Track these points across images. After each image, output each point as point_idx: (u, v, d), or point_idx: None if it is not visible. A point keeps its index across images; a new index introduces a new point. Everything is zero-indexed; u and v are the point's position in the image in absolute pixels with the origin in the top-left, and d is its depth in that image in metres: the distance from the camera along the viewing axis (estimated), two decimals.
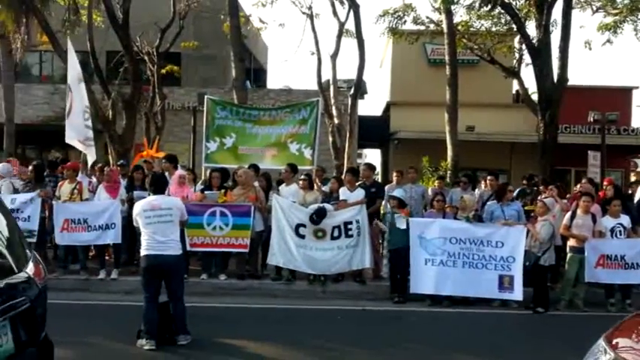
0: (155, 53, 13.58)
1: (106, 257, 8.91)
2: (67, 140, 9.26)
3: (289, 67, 74.12)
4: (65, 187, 8.67)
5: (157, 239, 5.89)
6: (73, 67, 9.47)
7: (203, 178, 10.25)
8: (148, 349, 5.74)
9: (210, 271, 8.70)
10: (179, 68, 17.20)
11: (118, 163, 9.98)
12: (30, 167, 9.11)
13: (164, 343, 5.86)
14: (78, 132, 9.14)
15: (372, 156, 27.45)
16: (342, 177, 9.42)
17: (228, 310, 7.73)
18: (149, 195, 9.07)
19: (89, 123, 9.49)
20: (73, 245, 8.69)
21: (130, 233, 8.86)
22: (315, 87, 16.05)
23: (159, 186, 6.28)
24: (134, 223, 6.15)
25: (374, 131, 20.37)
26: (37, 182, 8.79)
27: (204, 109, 10.72)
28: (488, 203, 8.86)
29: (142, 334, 5.88)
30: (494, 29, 16.11)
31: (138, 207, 6.10)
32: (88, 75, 12.46)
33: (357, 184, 8.94)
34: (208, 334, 6.32)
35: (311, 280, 8.65)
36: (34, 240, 8.54)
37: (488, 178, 10.05)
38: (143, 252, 5.98)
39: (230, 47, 19.97)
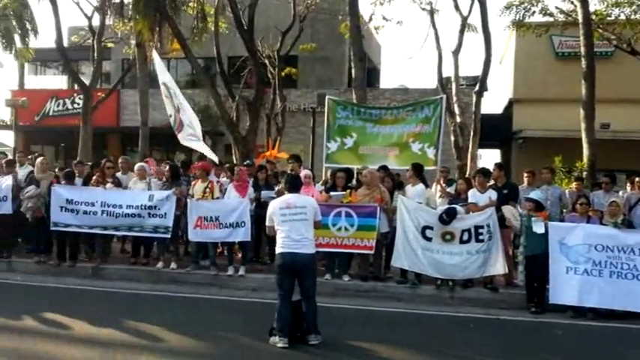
0: (276, 56, 13.87)
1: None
2: (182, 142, 9.81)
3: (402, 66, 73.23)
4: (198, 187, 9.03)
5: (292, 237, 5.92)
6: (163, 73, 10.06)
7: (323, 178, 10.27)
8: (281, 346, 5.77)
9: (334, 271, 8.66)
10: (296, 70, 17.49)
11: (245, 163, 10.27)
12: (166, 167, 9.59)
13: (295, 342, 5.87)
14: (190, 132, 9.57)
15: (490, 156, 26.24)
16: (472, 178, 8.99)
17: (354, 311, 7.63)
18: (275, 195, 9.30)
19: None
20: (204, 242, 9.05)
21: (256, 232, 9.12)
22: (431, 85, 15.65)
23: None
24: (267, 222, 6.20)
25: (494, 130, 19.45)
26: (173, 181, 9.23)
27: (325, 109, 10.77)
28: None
29: (274, 331, 5.92)
30: (633, 17, 14.71)
31: (273, 205, 6.16)
32: (210, 78, 13.00)
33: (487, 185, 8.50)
34: (337, 336, 6.26)
35: (438, 284, 8.32)
36: (168, 235, 9.06)
37: (637, 179, 9.13)
38: (278, 250, 6.03)
39: (346, 48, 20.22)
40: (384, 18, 12.09)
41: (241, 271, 8.84)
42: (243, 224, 8.68)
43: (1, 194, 9.41)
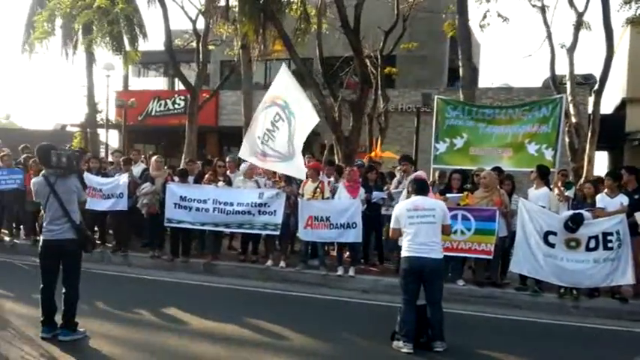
0: (379, 56, 13.69)
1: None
2: (240, 155, 9.58)
3: (501, 65, 70.71)
4: (308, 186, 9.02)
5: (419, 241, 5.72)
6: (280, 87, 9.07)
7: (431, 179, 9.97)
8: (405, 352, 5.59)
9: (447, 276, 8.34)
10: (397, 70, 17.24)
11: (356, 163, 10.16)
12: None
13: (419, 348, 5.67)
14: (251, 149, 9.21)
15: (598, 159, 24.63)
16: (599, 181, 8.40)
17: (473, 318, 7.31)
18: (386, 196, 9.12)
19: (272, 143, 8.93)
20: (314, 241, 9.03)
21: (365, 233, 8.99)
22: (537, 84, 14.87)
23: (421, 187, 6.09)
24: (393, 225, 6.02)
25: (604, 131, 18.22)
26: (285, 180, 9.28)
27: (434, 109, 10.48)
28: None
29: (398, 336, 5.76)
30: None
31: (400, 207, 5.99)
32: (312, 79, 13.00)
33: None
34: (464, 343, 6.00)
35: (561, 293, 7.83)
36: (277, 232, 9.10)
37: None
38: (404, 253, 5.84)
39: (446, 47, 19.75)
40: (499, 15, 11.52)
41: (351, 272, 8.73)
42: (354, 225, 8.58)
43: (117, 191, 9.86)
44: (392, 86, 18.88)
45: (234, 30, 14.53)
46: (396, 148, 16.17)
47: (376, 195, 8.98)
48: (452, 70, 20.34)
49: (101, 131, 22.84)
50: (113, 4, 12.24)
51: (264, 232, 9.25)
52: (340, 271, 8.76)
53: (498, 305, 7.81)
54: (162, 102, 23.37)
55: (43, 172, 5.72)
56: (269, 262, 9.26)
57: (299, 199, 8.97)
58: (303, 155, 9.00)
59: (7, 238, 10.89)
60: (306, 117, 8.49)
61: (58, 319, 5.76)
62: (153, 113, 23.40)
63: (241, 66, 14.63)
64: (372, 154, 11.58)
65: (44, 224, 5.68)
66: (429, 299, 5.80)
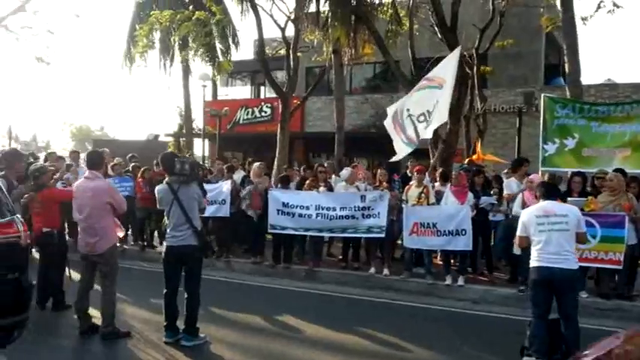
0: (474, 54, 13.22)
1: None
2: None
3: (604, 61, 66.91)
4: (412, 191, 8.76)
5: (550, 250, 5.32)
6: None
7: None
8: None
9: None
10: (491, 69, 16.61)
11: (462, 167, 9.79)
12: (380, 172, 9.45)
13: None
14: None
15: None
16: None
17: (600, 333, 6.73)
18: (496, 201, 8.69)
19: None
20: (419, 249, 8.75)
21: (474, 240, 8.60)
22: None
23: (551, 191, 5.68)
24: (519, 232, 5.65)
25: None
26: (388, 185, 9.09)
27: (541, 108, 9.90)
28: None
29: (529, 351, 5.37)
30: None
31: (528, 213, 5.61)
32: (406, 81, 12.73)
33: None
34: None
35: None
36: (383, 235, 8.86)
37: None
38: (533, 263, 5.46)
39: (542, 43, 18.86)
40: (614, 5, 10.69)
41: (460, 281, 8.38)
42: (464, 232, 8.23)
43: (220, 198, 10.01)
44: (485, 86, 18.23)
45: (324, 36, 14.53)
46: (490, 151, 15.54)
47: (484, 200, 8.58)
48: (548, 67, 19.38)
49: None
50: (211, 16, 12.54)
51: (369, 236, 9.07)
52: (448, 280, 8.43)
53: (627, 319, 7.17)
54: (250, 110, 23.84)
55: (166, 179, 5.83)
56: (372, 270, 9.07)
57: (403, 205, 8.73)
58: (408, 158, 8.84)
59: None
60: (442, 111, 8.39)
61: (180, 324, 5.86)
62: (240, 121, 23.92)
63: (332, 71, 14.56)
64: (474, 157, 11.11)
65: (167, 230, 5.79)
66: (562, 313, 5.38)
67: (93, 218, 5.91)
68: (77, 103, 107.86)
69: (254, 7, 12.95)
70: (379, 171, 9.41)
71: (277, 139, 14.51)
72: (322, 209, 9.21)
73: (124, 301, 7.35)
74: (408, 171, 10.16)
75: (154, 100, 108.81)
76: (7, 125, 67.64)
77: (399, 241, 9.47)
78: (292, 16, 14.55)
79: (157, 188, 5.93)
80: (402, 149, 9.43)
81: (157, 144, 27.31)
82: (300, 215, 9.34)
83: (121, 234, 6.14)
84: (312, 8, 14.35)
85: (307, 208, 9.31)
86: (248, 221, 10.01)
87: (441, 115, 8.72)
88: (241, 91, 27.68)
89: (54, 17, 36.23)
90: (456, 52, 9.13)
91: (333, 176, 10.67)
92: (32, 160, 9.74)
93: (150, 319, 6.70)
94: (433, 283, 8.51)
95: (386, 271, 8.92)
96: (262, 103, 24.01)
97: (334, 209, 9.14)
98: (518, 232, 5.68)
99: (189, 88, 19.96)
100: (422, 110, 9.09)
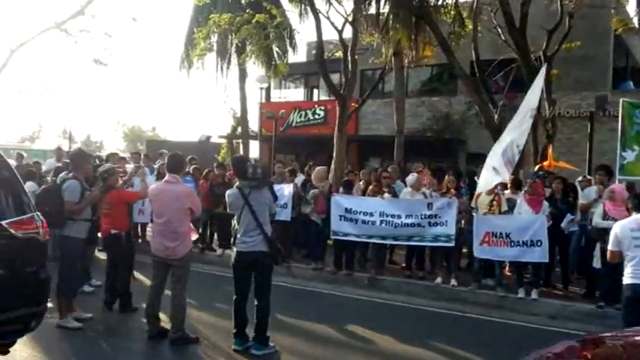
0: (542, 57, 12.66)
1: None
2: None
3: None
4: (483, 199, 8.39)
5: None
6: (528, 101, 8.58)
7: None
8: None
9: None
10: (557, 72, 15.93)
11: (538, 175, 9.33)
12: (448, 178, 9.10)
13: None
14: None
15: None
16: None
17: None
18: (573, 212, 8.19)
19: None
20: (490, 259, 8.37)
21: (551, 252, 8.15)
22: None
23: None
24: (611, 246, 5.23)
25: None
26: (456, 192, 8.76)
27: (620, 113, 9.35)
28: None
29: None
30: None
31: (621, 225, 5.20)
32: (472, 84, 12.32)
33: None
34: None
35: None
36: (452, 244, 8.51)
37: None
38: (627, 280, 5.04)
39: (610, 45, 18.00)
40: None
41: (534, 295, 7.95)
42: (539, 243, 7.80)
43: (281, 201, 9.86)
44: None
45: (383, 38, 14.26)
46: (554, 156, 14.89)
47: (566, 222, 8.13)
48: (615, 70, 18.49)
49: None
50: (271, 19, 12.48)
51: (436, 244, 8.74)
52: (521, 293, 8.00)
53: None
54: (303, 113, 23.74)
55: (237, 183, 5.70)
56: (438, 280, 8.74)
57: (474, 213, 8.37)
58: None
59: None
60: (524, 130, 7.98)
61: (248, 331, 5.72)
62: (293, 124, 23.84)
63: (388, 74, 14.26)
64: (545, 163, 10.60)
65: (238, 236, 5.65)
66: None
67: (174, 222, 5.78)
68: (129, 104, 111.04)
69: (314, 9, 12.80)
70: (447, 177, 9.04)
71: (334, 143, 14.31)
72: (387, 216, 8.94)
73: (189, 305, 7.28)
74: (476, 177, 9.76)
75: (204, 101, 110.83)
76: (63, 126, 70.23)
77: (464, 250, 9.13)
78: (350, 18, 14.35)
79: (227, 192, 5.81)
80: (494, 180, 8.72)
81: (210, 145, 27.63)
82: (364, 222, 9.09)
83: (194, 237, 6.05)
84: (371, 10, 14.08)
85: (371, 214, 9.06)
86: (308, 226, 9.84)
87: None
88: (294, 93, 27.68)
89: (111, 21, 37.18)
90: (542, 71, 8.62)
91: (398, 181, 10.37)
92: (98, 161, 9.87)
93: (215, 324, 6.60)
94: (504, 295, 8.11)
95: (453, 282, 8.57)
96: (316, 106, 23.88)
97: (399, 217, 8.86)
98: (611, 246, 5.27)
99: (245, 91, 20.05)
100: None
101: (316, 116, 23.41)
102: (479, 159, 18.70)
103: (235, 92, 21.98)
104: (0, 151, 4.99)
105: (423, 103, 19.44)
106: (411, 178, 9.28)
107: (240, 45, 15.24)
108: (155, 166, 11.41)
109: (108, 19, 36.24)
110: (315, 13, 12.87)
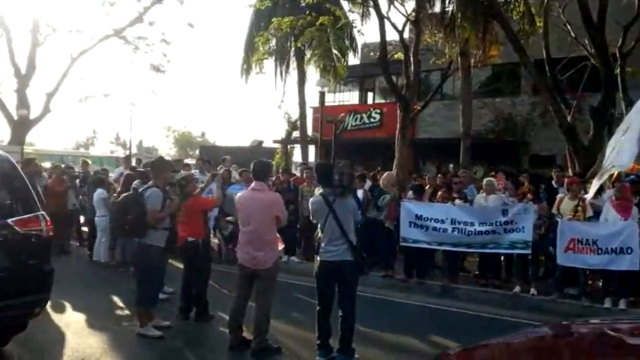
0: (618, 54, 12.04)
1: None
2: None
3: None
4: (566, 204, 7.99)
5: None
6: None
7: None
8: None
9: None
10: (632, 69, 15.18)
11: (629, 179, 8.79)
12: (525, 183, 8.74)
13: None
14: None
15: None
16: None
17: None
18: None
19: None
20: (574, 267, 7.95)
21: None
22: None
23: None
24: None
25: None
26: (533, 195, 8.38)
27: None
28: None
29: None
30: None
31: None
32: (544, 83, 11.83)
33: None
34: None
35: None
36: (528, 251, 8.14)
37: None
38: None
39: None
40: None
41: (622, 305, 7.50)
42: (629, 251, 7.35)
43: None
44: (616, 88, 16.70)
45: (447, 38, 13.91)
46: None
47: None
48: None
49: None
50: (335, 21, 12.36)
51: (512, 252, 8.40)
52: (608, 304, 7.58)
53: None
54: (358, 116, 23.53)
55: (320, 191, 5.56)
56: (517, 289, 8.37)
57: (558, 219, 7.97)
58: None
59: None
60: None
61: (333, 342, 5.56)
62: (348, 127, 23.66)
63: (459, 74, 13.89)
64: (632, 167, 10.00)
65: (322, 245, 5.50)
66: None
67: (262, 231, 5.65)
68: (179, 110, 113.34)
69: (377, 9, 12.58)
70: (523, 181, 8.66)
71: (395, 146, 14.07)
72: (459, 224, 8.64)
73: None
74: (553, 182, 9.33)
75: (253, 106, 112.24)
76: (115, 131, 72.23)
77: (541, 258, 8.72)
78: (412, 18, 14.06)
79: (310, 200, 5.69)
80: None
81: (262, 150, 27.76)
82: (435, 229, 8.82)
83: (281, 247, 5.94)
84: (435, 9, 13.76)
85: (442, 221, 8.78)
86: (376, 232, 9.62)
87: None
88: (347, 96, 27.50)
89: (169, 27, 38.00)
90: None
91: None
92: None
93: (295, 333, 6.49)
94: (590, 305, 7.68)
95: (533, 291, 8.19)
96: (371, 109, 23.64)
97: (472, 224, 8.55)
98: None
99: (304, 95, 20.02)
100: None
101: (372, 119, 23.17)
102: (543, 161, 18.14)
103: (290, 97, 21.99)
104: (8, 156, 5.49)
105: (484, 105, 18.89)
106: (487, 181, 8.93)
107: (302, 48, 15.17)
108: (219, 172, 11.44)
109: (166, 26, 36.98)
110: (379, 13, 12.65)
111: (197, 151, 56.65)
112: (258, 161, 5.98)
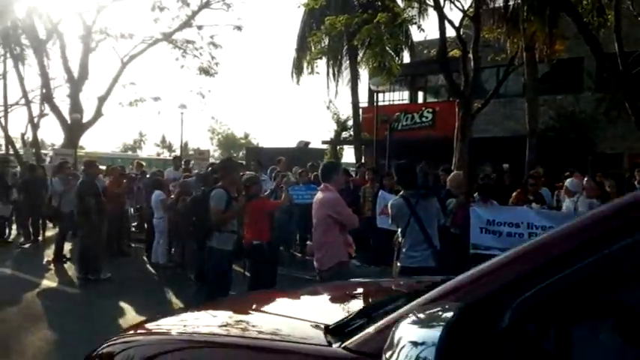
0: None
1: None
2: None
3: None
4: None
5: None
6: None
7: None
8: None
9: None
10: None
11: None
12: (609, 182, 8.14)
13: None
14: None
15: None
16: None
17: None
18: None
19: None
20: None
21: None
22: None
23: None
24: None
25: None
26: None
27: None
28: None
29: None
30: None
31: None
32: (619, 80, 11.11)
33: None
34: None
35: None
36: None
37: None
38: None
39: None
40: None
41: None
42: None
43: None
44: None
45: (509, 32, 13.30)
46: None
47: None
48: None
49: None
50: (393, 18, 11.96)
51: None
52: None
53: None
54: (410, 116, 23.01)
55: (402, 192, 5.19)
56: None
57: None
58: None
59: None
60: None
61: None
62: (399, 127, 23.16)
63: (525, 71, 13.26)
64: None
65: (403, 250, 5.13)
66: None
67: (317, 232, 5.51)
68: (223, 111, 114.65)
69: (437, 4, 12.09)
70: (606, 182, 8.04)
71: (455, 146, 13.54)
72: (536, 228, 8.05)
73: None
74: (636, 182, 8.68)
75: (297, 108, 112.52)
76: (161, 134, 73.34)
77: None
78: (470, 14, 13.49)
79: (390, 202, 5.33)
80: None
81: (309, 151, 27.53)
82: (509, 234, 8.25)
83: (351, 251, 5.62)
84: (497, 3, 13.18)
85: (517, 226, 8.22)
86: (444, 239, 9.13)
87: None
88: (397, 96, 26.99)
89: (218, 30, 38.26)
90: None
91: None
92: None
93: None
94: None
95: None
96: (423, 108, 23.08)
97: (551, 228, 7.94)
98: None
99: (357, 94, 19.66)
100: None
101: (423, 119, 22.61)
102: (608, 160, 17.23)
103: (338, 98, 21.69)
104: None
105: (544, 102, 18.08)
106: (570, 181, 8.31)
107: (360, 46, 14.80)
108: (269, 174, 11.26)
109: (215, 30, 37.27)
110: (439, 8, 12.16)
111: (241, 153, 57.34)
112: (326, 162, 5.84)
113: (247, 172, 7.77)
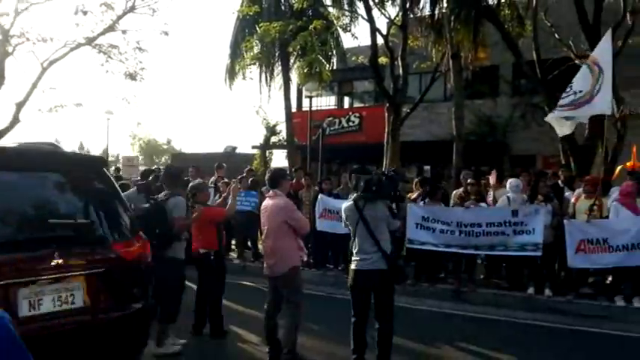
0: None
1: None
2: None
3: None
4: (581, 204, 7.98)
5: None
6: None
7: None
8: None
9: None
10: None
11: (634, 175, 8.85)
12: (542, 184, 8.66)
13: None
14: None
15: None
16: None
17: None
18: None
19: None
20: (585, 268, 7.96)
21: None
22: None
23: None
24: None
25: None
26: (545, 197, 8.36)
27: None
28: None
29: None
30: None
31: None
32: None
33: None
34: None
35: None
36: (539, 253, 8.06)
37: None
38: None
39: None
40: None
41: (636, 303, 7.52)
42: None
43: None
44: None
45: (435, 40, 13.93)
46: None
47: None
48: None
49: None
50: (327, 26, 12.20)
51: (522, 254, 8.31)
52: (620, 302, 7.59)
53: None
54: (337, 120, 23.39)
55: (353, 196, 5.37)
56: (531, 290, 8.32)
57: (565, 220, 7.93)
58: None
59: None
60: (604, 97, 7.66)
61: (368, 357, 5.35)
62: (327, 132, 23.48)
63: (451, 77, 13.86)
64: (628, 164, 10.15)
65: (354, 252, 5.30)
66: None
67: (270, 238, 5.61)
68: (141, 117, 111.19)
69: (369, 14, 12.48)
70: (540, 183, 8.59)
71: (385, 150, 13.97)
72: (465, 226, 8.54)
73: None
74: (559, 181, 9.36)
75: (224, 113, 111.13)
76: (79, 140, 70.19)
77: None
78: (397, 22, 14.01)
79: (343, 206, 5.48)
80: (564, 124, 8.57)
81: (237, 156, 27.31)
82: (442, 231, 8.72)
83: (302, 256, 5.72)
84: (424, 12, 13.77)
85: (448, 224, 8.69)
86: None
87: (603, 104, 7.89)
88: (324, 101, 27.33)
89: (144, 35, 37.15)
90: (608, 36, 8.28)
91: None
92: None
93: (321, 348, 6.22)
94: (608, 305, 7.68)
95: (548, 292, 8.15)
96: (350, 113, 23.55)
97: (479, 225, 8.46)
98: None
99: (290, 100, 19.77)
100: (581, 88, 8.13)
101: (350, 124, 23.07)
102: (523, 162, 18.29)
103: (268, 103, 21.72)
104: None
105: (465, 107, 18.98)
106: (513, 181, 8.82)
107: (292, 52, 14.90)
108: (212, 180, 11.16)
109: (142, 34, 36.10)
110: (370, 17, 12.55)
111: (163, 158, 55.71)
112: (274, 169, 6.00)
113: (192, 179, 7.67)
